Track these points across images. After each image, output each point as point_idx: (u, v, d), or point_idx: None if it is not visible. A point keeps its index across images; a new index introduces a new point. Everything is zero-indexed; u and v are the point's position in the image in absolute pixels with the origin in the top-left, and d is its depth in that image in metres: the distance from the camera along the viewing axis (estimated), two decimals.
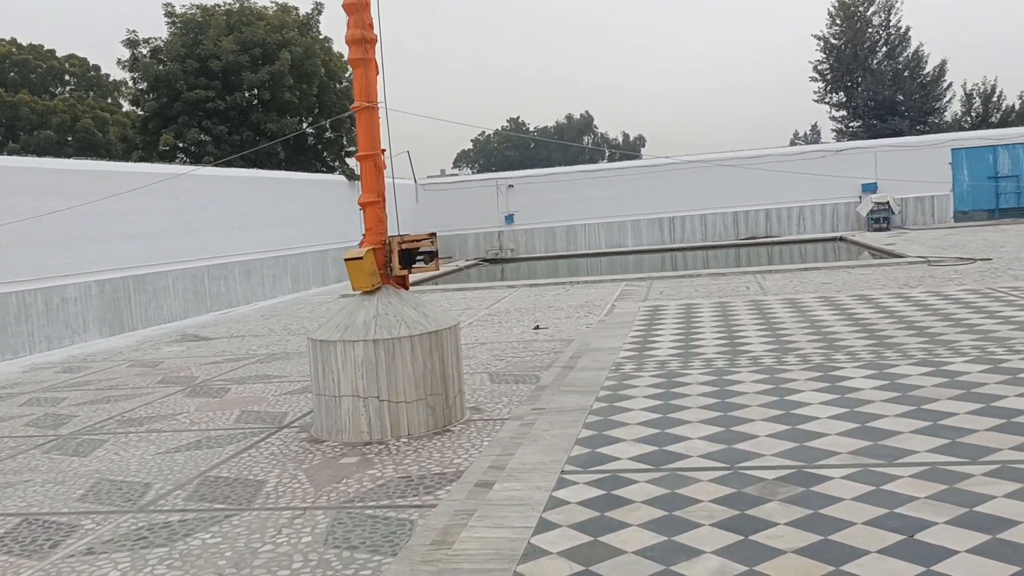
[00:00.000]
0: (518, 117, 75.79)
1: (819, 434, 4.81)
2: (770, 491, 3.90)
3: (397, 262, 6.40)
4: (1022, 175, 25.81)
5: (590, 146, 66.36)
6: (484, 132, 74.98)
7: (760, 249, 24.79)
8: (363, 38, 6.37)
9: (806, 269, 15.65)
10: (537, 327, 11.12)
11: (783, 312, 9.33)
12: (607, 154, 67.11)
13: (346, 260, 6.37)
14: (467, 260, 26.49)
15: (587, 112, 74.89)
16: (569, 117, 74.13)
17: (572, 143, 62.25)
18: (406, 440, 5.88)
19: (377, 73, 6.68)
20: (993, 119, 40.16)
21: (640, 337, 8.50)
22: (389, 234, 6.55)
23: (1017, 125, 35.44)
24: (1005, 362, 6.21)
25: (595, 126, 74.12)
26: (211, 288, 15.43)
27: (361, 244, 6.55)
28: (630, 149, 62.93)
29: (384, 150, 6.59)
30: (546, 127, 71.39)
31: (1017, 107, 40.75)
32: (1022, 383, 5.57)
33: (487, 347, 9.84)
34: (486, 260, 26.75)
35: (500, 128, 68.82)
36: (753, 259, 23.46)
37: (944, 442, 4.45)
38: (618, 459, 4.66)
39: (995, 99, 40.94)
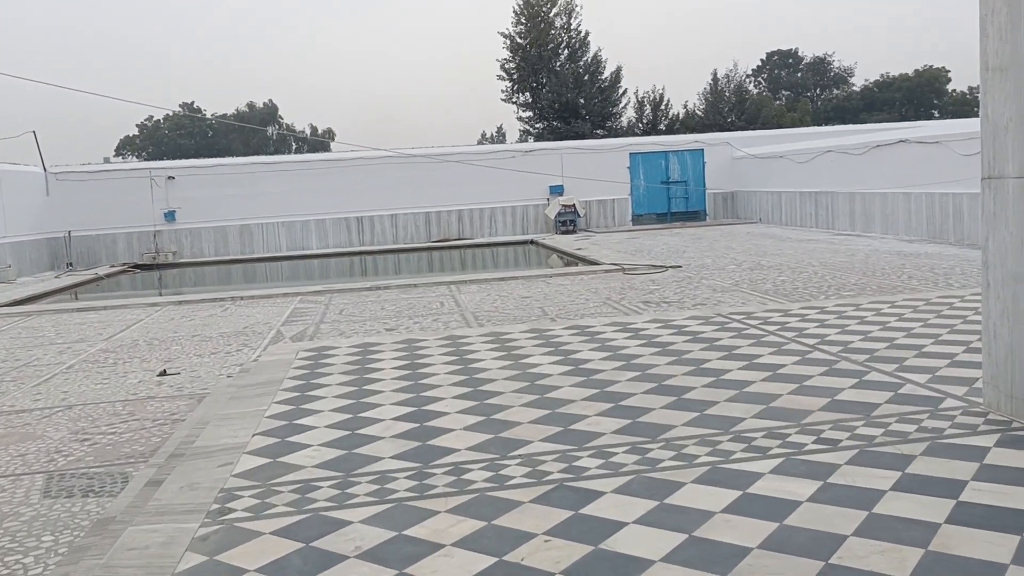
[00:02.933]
0: (193, 102, 68.82)
1: None
2: None
3: None
4: (690, 181, 27.06)
5: (275, 135, 61.81)
6: (152, 117, 67.13)
7: (454, 252, 23.35)
8: None
9: (503, 279, 14.12)
10: (164, 373, 8.13)
11: (491, 361, 7.06)
12: (294, 146, 62.94)
13: None
14: (112, 266, 21.94)
15: (271, 101, 70.03)
16: (251, 105, 68.72)
17: (258, 128, 57.36)
18: None
19: None
20: (662, 126, 42.96)
21: (283, 417, 5.57)
22: None
23: (681, 132, 38.00)
24: (831, 471, 3.98)
25: (280, 116, 69.49)
26: None
27: None
28: (319, 141, 59.38)
29: None
30: (225, 115, 65.41)
31: (681, 115, 44.02)
32: (885, 529, 3.32)
33: (74, 413, 6.71)
34: (139, 266, 22.41)
35: (172, 112, 61.70)
36: (447, 263, 21.94)
37: None
38: None
39: (663, 107, 43.88)
